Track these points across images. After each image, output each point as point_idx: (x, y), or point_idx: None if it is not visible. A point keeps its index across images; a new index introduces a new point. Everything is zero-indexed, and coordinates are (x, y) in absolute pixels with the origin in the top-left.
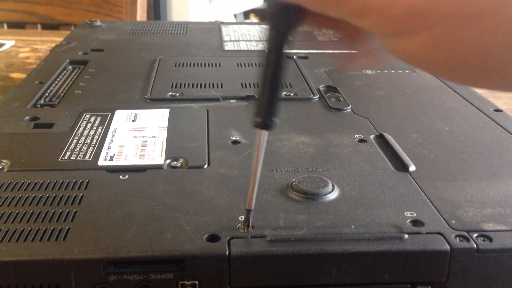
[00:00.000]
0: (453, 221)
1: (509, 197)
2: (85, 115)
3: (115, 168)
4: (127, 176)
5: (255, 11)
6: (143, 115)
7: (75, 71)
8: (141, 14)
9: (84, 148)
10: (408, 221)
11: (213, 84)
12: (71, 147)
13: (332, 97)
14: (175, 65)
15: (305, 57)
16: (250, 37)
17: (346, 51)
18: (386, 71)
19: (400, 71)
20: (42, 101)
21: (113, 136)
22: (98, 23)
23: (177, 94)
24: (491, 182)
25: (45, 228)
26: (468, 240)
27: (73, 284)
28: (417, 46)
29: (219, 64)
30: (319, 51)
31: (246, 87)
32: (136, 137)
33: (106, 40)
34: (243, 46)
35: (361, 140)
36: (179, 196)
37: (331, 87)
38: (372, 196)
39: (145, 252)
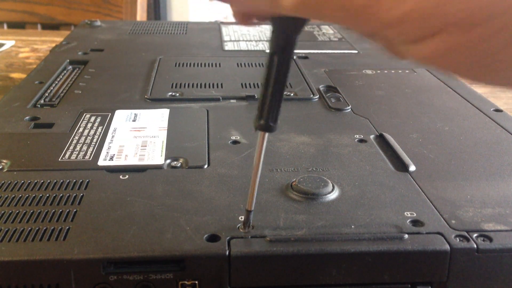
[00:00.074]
0: (453, 221)
1: (509, 197)
2: (85, 115)
3: (115, 168)
4: (127, 176)
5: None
6: (143, 115)
7: (75, 71)
8: (141, 14)
9: (84, 148)
10: (408, 221)
11: (213, 84)
12: (71, 147)
13: (332, 97)
14: (175, 65)
15: (305, 57)
16: (250, 37)
17: (346, 51)
18: (386, 71)
19: (400, 71)
20: (42, 101)
21: (113, 136)
22: (98, 23)
23: (177, 94)
24: (491, 182)
25: (45, 228)
26: (468, 240)
27: (73, 284)
28: (433, 48)
29: (219, 64)
30: (319, 51)
31: (246, 87)
32: (136, 137)
33: (106, 40)
34: (243, 46)
35: (361, 140)
36: (179, 196)
37: (331, 87)
38: (372, 196)
39: (145, 252)
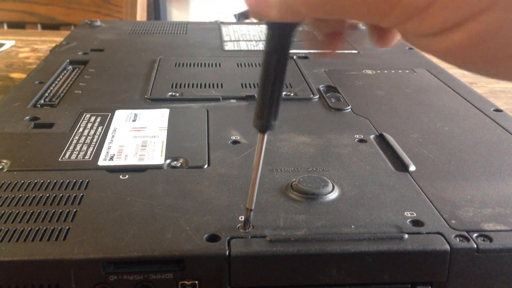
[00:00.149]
0: (453, 221)
1: (509, 197)
2: (85, 115)
3: (115, 168)
4: (127, 176)
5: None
6: (143, 115)
7: (75, 71)
8: (141, 14)
9: (84, 148)
10: (408, 221)
11: (213, 84)
12: (71, 147)
13: (332, 97)
14: (175, 65)
15: (305, 57)
16: (250, 37)
17: (346, 51)
18: (386, 71)
19: (400, 71)
20: (42, 101)
21: (113, 136)
22: (98, 23)
23: (177, 94)
24: (491, 182)
25: (45, 228)
26: (468, 240)
27: (73, 284)
28: (464, 38)
29: (219, 64)
30: (319, 51)
31: (246, 87)
32: (136, 137)
33: (106, 40)
34: (243, 46)
35: (361, 140)
36: (179, 196)
37: (331, 87)
38: (372, 196)
39: (145, 252)
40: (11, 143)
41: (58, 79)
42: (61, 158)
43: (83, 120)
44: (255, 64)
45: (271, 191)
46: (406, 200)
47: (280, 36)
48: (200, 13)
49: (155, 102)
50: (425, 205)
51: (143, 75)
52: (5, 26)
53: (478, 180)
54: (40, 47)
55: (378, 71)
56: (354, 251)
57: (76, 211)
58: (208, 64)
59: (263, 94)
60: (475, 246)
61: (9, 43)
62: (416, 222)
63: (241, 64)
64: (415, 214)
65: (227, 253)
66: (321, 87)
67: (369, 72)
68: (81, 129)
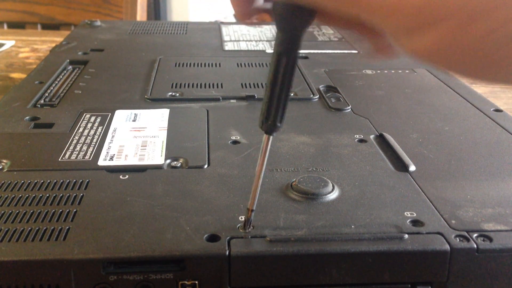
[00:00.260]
0: (453, 221)
1: (509, 197)
2: (85, 115)
3: (115, 168)
4: (127, 176)
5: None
6: (143, 115)
7: (75, 71)
8: (141, 14)
9: (84, 148)
10: (408, 221)
11: (213, 84)
12: (71, 147)
13: (332, 97)
14: (175, 65)
15: (305, 57)
16: (250, 37)
17: (346, 51)
18: (386, 71)
19: (400, 71)
20: (42, 101)
21: (113, 136)
22: (98, 23)
23: (177, 94)
24: (491, 182)
25: (45, 228)
26: (468, 240)
27: (73, 284)
28: (429, 42)
29: (219, 64)
30: (319, 51)
31: (246, 87)
32: (136, 137)
33: (106, 40)
34: (243, 46)
35: (361, 140)
36: (179, 196)
37: (331, 87)
38: (372, 196)
39: (145, 252)
40: (11, 143)
41: (58, 79)
42: (61, 158)
43: (83, 120)
44: (255, 64)
45: (271, 191)
46: (406, 200)
47: (290, 38)
48: (200, 13)
49: (155, 102)
50: (425, 205)
51: (143, 75)
52: (5, 26)
53: (478, 180)
54: (40, 47)
55: (378, 71)
56: (354, 251)
57: (76, 211)
58: (208, 64)
59: (271, 96)
60: (475, 246)
61: (9, 43)
62: (416, 222)
63: (241, 64)
64: (415, 214)
65: (227, 253)
66: (321, 87)
67: (369, 72)
68: (81, 129)
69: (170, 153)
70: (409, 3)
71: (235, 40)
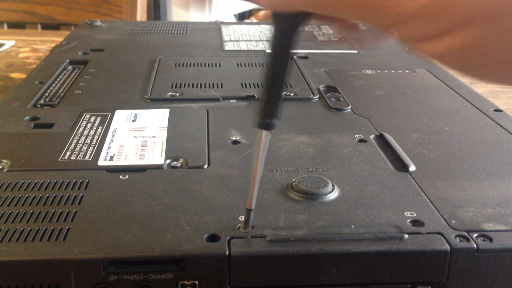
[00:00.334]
0: (453, 221)
1: (509, 197)
2: (85, 115)
3: (115, 168)
4: (127, 176)
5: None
6: (143, 115)
7: (75, 71)
8: (141, 14)
9: (84, 148)
10: (408, 221)
11: (213, 84)
12: (71, 147)
13: (332, 97)
14: (175, 65)
15: (305, 57)
16: (250, 37)
17: (346, 51)
18: (386, 71)
19: (400, 71)
20: (42, 101)
21: (113, 136)
22: (98, 23)
23: (177, 94)
24: (491, 182)
25: (45, 228)
26: (468, 240)
27: (73, 284)
28: (452, 44)
29: (219, 64)
30: (319, 51)
31: (246, 87)
32: (136, 137)
33: (106, 40)
34: (243, 46)
35: (361, 140)
36: (179, 196)
37: (331, 87)
38: (372, 196)
39: (145, 252)
40: (11, 143)
41: (58, 79)
42: (61, 158)
43: (83, 120)
44: (255, 64)
45: (271, 191)
46: (406, 200)
47: (284, 35)
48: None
49: (155, 102)
50: (425, 205)
51: (143, 75)
52: (5, 26)
53: (478, 180)
54: (40, 47)
55: (378, 71)
56: (354, 251)
57: (76, 211)
58: (208, 64)
59: (265, 93)
60: (475, 246)
61: (9, 43)
62: (416, 222)
63: (241, 64)
64: (415, 214)
65: (227, 253)
66: (321, 87)
67: (369, 72)
68: (81, 129)
69: (170, 153)
70: (428, 9)
71: (235, 40)
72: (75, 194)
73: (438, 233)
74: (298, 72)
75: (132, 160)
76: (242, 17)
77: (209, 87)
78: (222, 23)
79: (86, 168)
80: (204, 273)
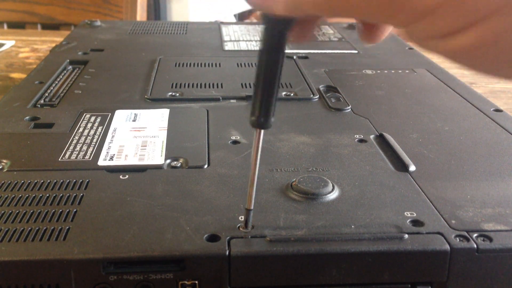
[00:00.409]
0: (453, 221)
1: (509, 197)
2: (85, 115)
3: (115, 168)
4: (127, 176)
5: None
6: (143, 115)
7: (75, 71)
8: (141, 14)
9: (84, 148)
10: (408, 221)
11: (213, 84)
12: (71, 147)
13: (332, 97)
14: (175, 65)
15: (305, 57)
16: (250, 37)
17: (346, 51)
18: (386, 71)
19: (400, 71)
20: (42, 101)
21: (113, 136)
22: (98, 23)
23: (177, 94)
24: (491, 182)
25: (45, 228)
26: (468, 240)
27: (73, 284)
28: (469, 41)
29: (219, 64)
30: (319, 51)
31: (246, 87)
32: (136, 137)
33: (106, 40)
34: (243, 46)
35: (361, 140)
36: (179, 196)
37: (331, 87)
38: (372, 196)
39: (145, 252)
40: (11, 143)
41: (58, 79)
42: (61, 158)
43: (83, 120)
44: (255, 64)
45: (271, 191)
46: (406, 200)
47: (275, 33)
48: (200, 13)
49: (155, 102)
50: (425, 205)
51: (143, 75)
52: (5, 26)
53: (478, 180)
54: (40, 47)
55: (378, 71)
56: (354, 251)
57: (76, 211)
58: (208, 64)
59: (256, 91)
60: (475, 246)
61: (9, 43)
62: (416, 222)
63: (241, 64)
64: (415, 214)
65: (227, 253)
66: (321, 87)
67: (369, 72)
68: (81, 129)
69: (170, 153)
70: (448, 4)
71: (235, 40)
72: (75, 194)
73: (438, 233)
74: (298, 72)
75: (132, 160)
76: (242, 17)
77: (209, 87)
78: (222, 23)
79: (86, 168)
80: (204, 273)
